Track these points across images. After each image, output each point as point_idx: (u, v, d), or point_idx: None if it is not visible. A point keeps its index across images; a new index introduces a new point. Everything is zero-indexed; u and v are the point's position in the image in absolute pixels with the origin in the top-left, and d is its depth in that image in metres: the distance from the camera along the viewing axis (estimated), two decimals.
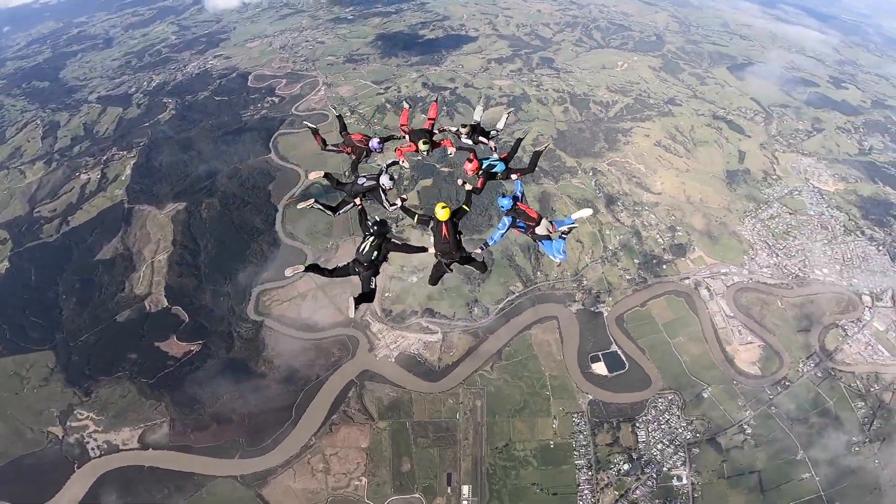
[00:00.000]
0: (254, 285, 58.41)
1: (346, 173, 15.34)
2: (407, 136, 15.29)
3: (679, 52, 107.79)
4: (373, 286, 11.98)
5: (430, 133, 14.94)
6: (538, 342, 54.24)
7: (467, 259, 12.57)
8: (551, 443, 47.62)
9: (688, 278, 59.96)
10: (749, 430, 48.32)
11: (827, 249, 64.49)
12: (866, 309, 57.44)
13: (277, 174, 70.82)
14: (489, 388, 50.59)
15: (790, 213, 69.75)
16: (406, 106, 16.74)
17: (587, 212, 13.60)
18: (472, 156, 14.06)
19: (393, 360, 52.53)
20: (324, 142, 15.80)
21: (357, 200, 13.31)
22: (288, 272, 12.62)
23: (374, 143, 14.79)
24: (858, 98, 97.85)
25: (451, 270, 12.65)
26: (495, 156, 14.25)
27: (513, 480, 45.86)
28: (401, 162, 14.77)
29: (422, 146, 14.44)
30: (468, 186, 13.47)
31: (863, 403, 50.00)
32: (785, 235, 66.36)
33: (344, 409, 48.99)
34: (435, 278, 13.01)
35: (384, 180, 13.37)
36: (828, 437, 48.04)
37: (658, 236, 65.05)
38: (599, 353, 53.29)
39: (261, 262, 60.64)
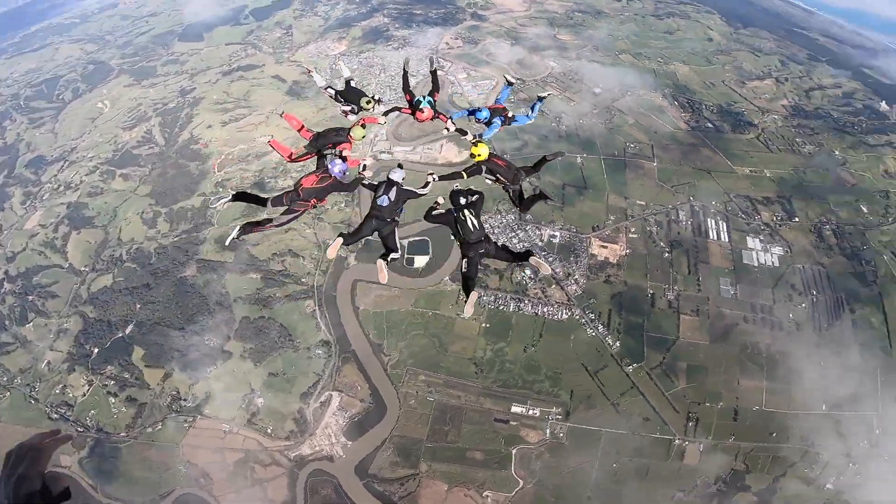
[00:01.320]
0: None
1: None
2: (331, 147, 12.42)
3: (126, 59, 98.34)
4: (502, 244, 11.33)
5: (333, 129, 12.66)
6: (373, 304, 52.94)
7: (532, 168, 12.68)
8: (485, 325, 50.94)
9: None
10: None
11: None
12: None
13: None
14: (410, 364, 48.81)
15: (356, 80, 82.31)
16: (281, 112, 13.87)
17: (510, 76, 14.86)
18: (407, 111, 13.67)
19: (348, 444, 46.16)
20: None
21: (397, 218, 11.47)
22: (468, 311, 10.58)
23: (337, 168, 11.42)
24: None
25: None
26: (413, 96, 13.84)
27: (519, 369, 48.53)
28: (366, 163, 12.35)
29: (358, 133, 12.45)
30: (451, 125, 13.40)
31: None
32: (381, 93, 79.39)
33: (398, 496, 43.59)
34: (528, 205, 12.44)
35: (397, 176, 11.55)
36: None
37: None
38: (405, 256, 55.42)
39: None
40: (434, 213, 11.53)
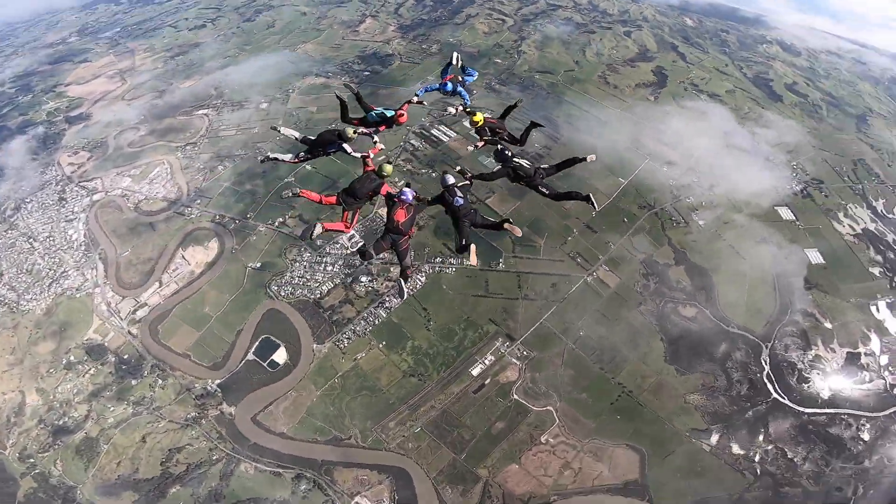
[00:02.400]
0: None
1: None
2: (372, 194, 12.97)
3: None
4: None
5: (359, 180, 12.90)
6: (290, 418, 46.78)
7: (503, 116, 15.29)
8: (382, 344, 50.50)
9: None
10: None
11: None
12: None
13: None
14: (372, 426, 46.26)
15: None
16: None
17: (454, 55, 16.63)
18: (385, 127, 14.68)
19: None
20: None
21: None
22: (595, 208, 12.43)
23: (410, 196, 12.35)
24: None
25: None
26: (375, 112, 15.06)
27: (441, 345, 50.18)
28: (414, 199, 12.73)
29: (388, 169, 12.90)
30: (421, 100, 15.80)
31: None
32: None
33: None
34: (525, 137, 14.72)
35: (453, 179, 13.08)
36: None
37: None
38: (261, 363, 49.37)
39: None
40: (495, 171, 13.46)
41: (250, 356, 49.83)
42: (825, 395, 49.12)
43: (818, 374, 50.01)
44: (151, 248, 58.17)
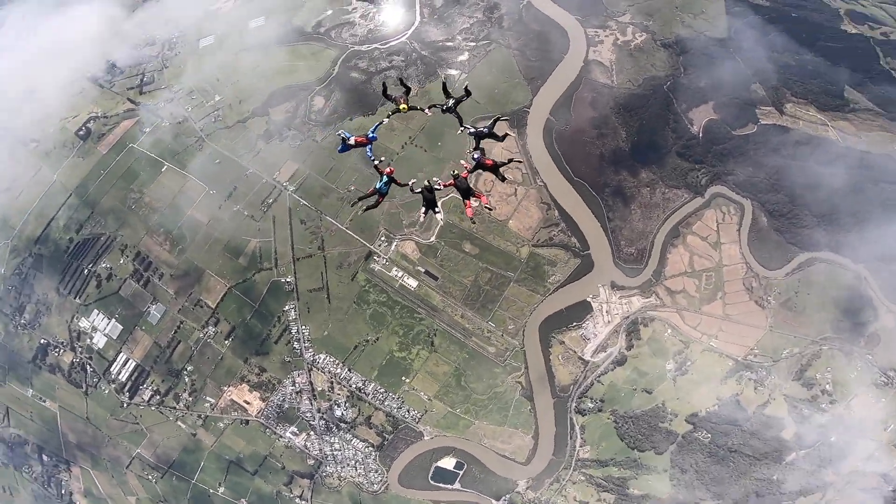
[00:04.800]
0: None
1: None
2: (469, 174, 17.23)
3: None
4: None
5: (456, 173, 16.93)
6: None
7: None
8: (377, 371, 49.97)
9: None
10: None
11: None
12: None
13: None
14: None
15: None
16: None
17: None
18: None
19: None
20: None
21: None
22: None
23: (479, 155, 16.72)
24: None
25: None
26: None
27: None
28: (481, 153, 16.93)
29: (457, 171, 16.92)
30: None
31: None
32: None
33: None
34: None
35: (471, 128, 17.71)
36: None
37: None
38: (457, 478, 49.71)
39: None
40: (457, 116, 17.85)
41: (455, 487, 50.17)
42: None
43: None
44: None
